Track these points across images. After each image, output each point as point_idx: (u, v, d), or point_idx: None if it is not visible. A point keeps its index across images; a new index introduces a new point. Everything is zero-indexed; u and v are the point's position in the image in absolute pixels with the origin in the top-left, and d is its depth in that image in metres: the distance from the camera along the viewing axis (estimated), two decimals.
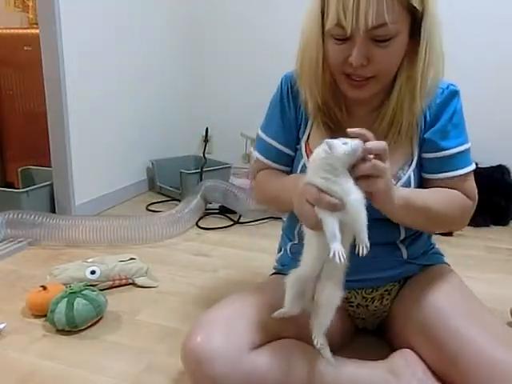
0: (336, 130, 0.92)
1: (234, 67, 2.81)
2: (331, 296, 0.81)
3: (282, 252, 1.14)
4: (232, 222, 2.14)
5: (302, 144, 1.01)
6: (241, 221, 2.14)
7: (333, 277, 0.81)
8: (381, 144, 0.75)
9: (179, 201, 2.22)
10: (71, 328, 1.21)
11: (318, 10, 0.82)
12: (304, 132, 1.01)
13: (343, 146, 0.73)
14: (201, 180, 2.35)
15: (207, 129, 2.90)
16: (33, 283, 1.43)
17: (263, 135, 1.07)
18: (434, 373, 0.89)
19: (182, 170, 2.42)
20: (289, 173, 1.05)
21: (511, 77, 2.31)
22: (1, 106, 2.43)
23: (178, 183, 2.46)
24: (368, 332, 1.15)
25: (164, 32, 2.65)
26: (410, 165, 0.96)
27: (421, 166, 0.97)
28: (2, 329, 1.21)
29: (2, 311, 1.32)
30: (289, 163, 1.05)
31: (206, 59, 2.87)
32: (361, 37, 0.79)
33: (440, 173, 0.95)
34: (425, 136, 0.95)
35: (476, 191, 0.98)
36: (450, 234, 1.96)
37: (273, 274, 1.15)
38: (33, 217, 1.77)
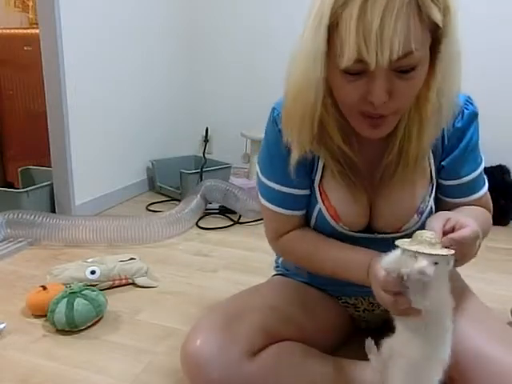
0: (349, 167, 0.86)
1: (234, 67, 2.81)
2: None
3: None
4: (232, 222, 2.14)
5: (316, 187, 0.91)
6: (241, 221, 2.14)
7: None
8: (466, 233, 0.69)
9: (179, 201, 2.22)
10: (71, 328, 1.21)
11: (321, 49, 0.68)
12: (316, 172, 0.90)
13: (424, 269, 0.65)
14: (201, 180, 2.35)
15: (207, 129, 2.90)
16: (33, 283, 1.43)
17: (274, 185, 0.92)
18: None
19: (182, 170, 2.42)
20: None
21: (511, 77, 2.31)
22: (1, 106, 2.43)
23: (178, 183, 2.46)
24: (369, 332, 1.15)
25: (164, 32, 2.65)
26: (430, 195, 0.91)
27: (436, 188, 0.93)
28: (2, 329, 1.21)
29: (1, 311, 1.32)
30: (307, 203, 0.95)
31: (206, 59, 2.87)
32: (383, 70, 0.66)
33: (460, 198, 0.92)
34: (443, 163, 0.89)
35: (491, 205, 0.97)
36: None
37: (275, 274, 1.15)
38: (33, 217, 1.77)
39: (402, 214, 0.90)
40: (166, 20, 2.66)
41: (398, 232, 0.92)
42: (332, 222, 0.91)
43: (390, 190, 0.88)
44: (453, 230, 0.70)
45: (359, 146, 0.85)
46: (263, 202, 0.96)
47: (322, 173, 0.90)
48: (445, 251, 0.66)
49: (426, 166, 0.88)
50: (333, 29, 0.67)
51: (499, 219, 2.17)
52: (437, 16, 0.65)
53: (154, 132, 2.67)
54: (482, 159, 0.93)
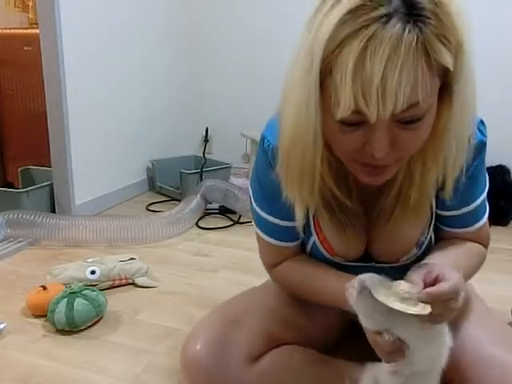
0: (340, 211, 0.81)
1: (234, 67, 2.81)
2: None
3: None
4: (232, 222, 2.14)
5: (310, 218, 0.86)
6: (241, 221, 2.14)
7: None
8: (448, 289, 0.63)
9: (179, 201, 2.22)
10: (71, 328, 1.21)
11: (314, 95, 0.60)
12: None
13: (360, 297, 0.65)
14: (201, 180, 2.35)
15: (207, 129, 2.90)
16: (33, 283, 1.43)
17: (268, 216, 0.88)
18: None
19: (182, 170, 2.42)
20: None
21: (511, 76, 2.32)
22: (1, 106, 2.43)
23: (178, 183, 2.46)
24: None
25: (164, 32, 2.65)
26: (430, 226, 0.86)
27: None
28: (2, 329, 1.21)
29: (1, 311, 1.32)
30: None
31: (206, 59, 2.87)
32: (384, 122, 0.59)
33: (458, 228, 0.87)
34: (440, 195, 0.79)
35: (489, 236, 0.91)
36: None
37: None
38: (33, 217, 1.77)
39: (400, 250, 0.87)
40: (166, 20, 2.66)
41: (396, 262, 0.89)
42: (327, 255, 0.89)
43: (388, 230, 0.83)
44: (436, 280, 0.65)
45: (355, 186, 0.79)
46: (257, 230, 0.93)
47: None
48: (415, 309, 0.61)
49: (427, 207, 0.81)
50: (326, 73, 0.59)
51: (499, 219, 2.17)
52: (448, 60, 0.57)
53: (154, 132, 2.67)
54: (485, 186, 0.85)
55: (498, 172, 2.21)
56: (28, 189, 2.00)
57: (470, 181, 0.79)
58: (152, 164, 2.60)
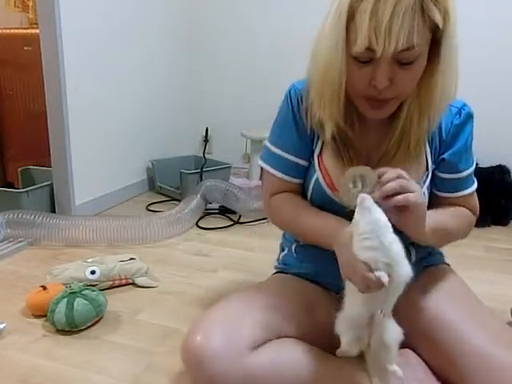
0: (348, 146, 0.94)
1: (234, 67, 2.81)
2: (394, 334, 0.82)
3: (285, 251, 1.14)
4: (232, 222, 2.14)
5: (315, 158, 0.99)
6: (241, 221, 2.14)
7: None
8: (392, 171, 0.80)
9: (179, 201, 2.22)
10: (71, 328, 1.21)
11: (342, 36, 0.80)
12: (316, 145, 0.99)
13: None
14: (201, 180, 2.35)
15: (207, 129, 2.90)
16: (33, 283, 1.43)
17: (278, 151, 1.02)
18: (435, 373, 0.89)
19: (182, 170, 2.42)
20: (302, 184, 1.03)
21: (510, 77, 2.32)
22: (1, 106, 2.43)
23: (178, 183, 2.46)
24: None
25: (164, 32, 2.65)
26: (425, 182, 0.97)
27: (431, 182, 0.99)
28: (2, 329, 1.21)
29: (2, 311, 1.32)
30: (304, 175, 1.03)
31: (206, 59, 2.87)
32: (387, 59, 0.78)
33: (452, 192, 0.99)
34: (443, 156, 0.97)
35: (478, 206, 1.04)
36: None
37: (275, 272, 1.15)
38: (33, 217, 1.77)
39: None
40: (166, 20, 2.66)
41: None
42: (328, 191, 0.96)
43: None
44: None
45: (361, 129, 0.93)
46: (265, 166, 1.05)
47: (322, 146, 0.98)
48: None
49: (422, 153, 0.95)
50: (349, 20, 0.78)
51: (499, 219, 2.17)
52: (437, 17, 0.76)
53: (154, 132, 2.67)
54: (473, 160, 1.01)
55: (498, 172, 2.21)
56: (28, 189, 2.00)
57: (462, 153, 0.97)
58: (152, 164, 2.60)
